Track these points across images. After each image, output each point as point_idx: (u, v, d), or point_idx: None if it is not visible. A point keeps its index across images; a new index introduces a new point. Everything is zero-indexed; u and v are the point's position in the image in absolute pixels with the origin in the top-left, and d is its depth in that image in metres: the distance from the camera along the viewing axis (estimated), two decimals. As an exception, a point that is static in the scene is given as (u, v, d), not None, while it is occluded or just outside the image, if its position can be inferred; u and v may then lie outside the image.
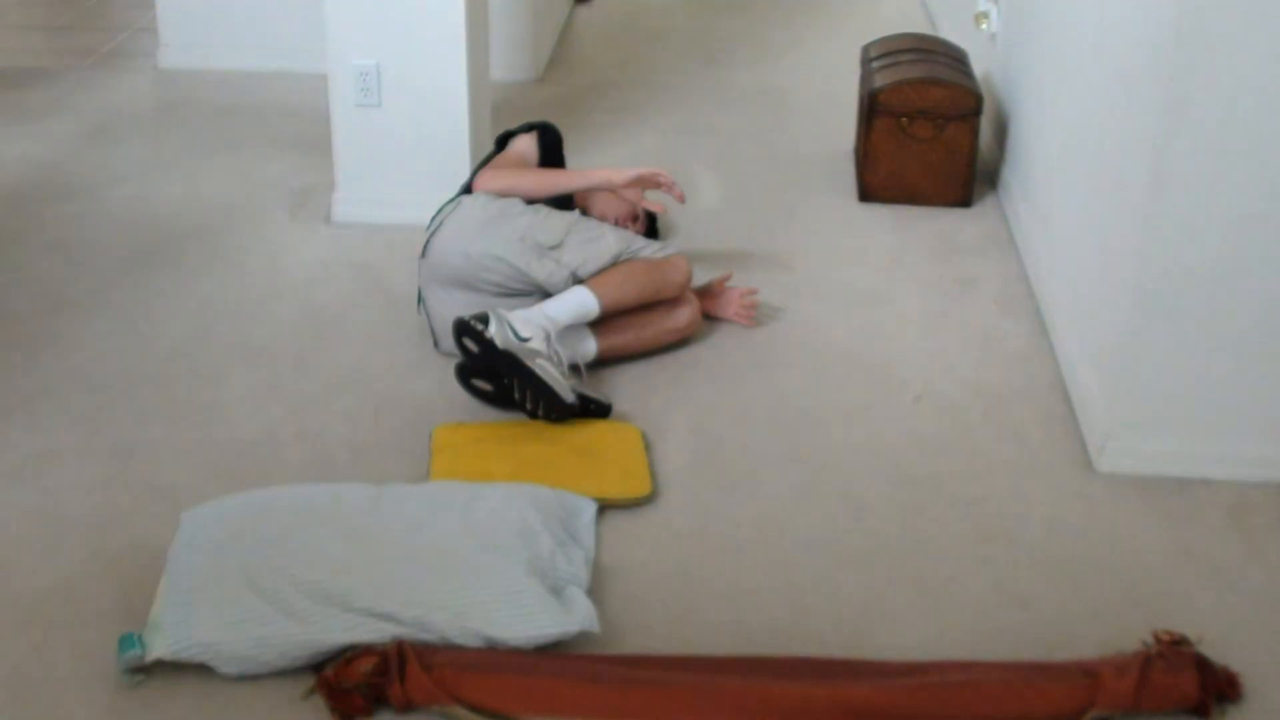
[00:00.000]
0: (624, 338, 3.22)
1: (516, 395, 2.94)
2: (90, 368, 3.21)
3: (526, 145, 3.50)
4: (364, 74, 3.83)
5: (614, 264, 3.17)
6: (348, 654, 2.23)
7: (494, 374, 2.97)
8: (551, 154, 3.55)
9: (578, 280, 3.13)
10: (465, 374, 3.02)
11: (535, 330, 2.94)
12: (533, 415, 2.95)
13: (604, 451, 2.84)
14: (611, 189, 3.42)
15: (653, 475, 2.78)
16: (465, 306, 3.12)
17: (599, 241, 3.19)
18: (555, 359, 2.95)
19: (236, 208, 4.09)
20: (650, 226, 3.77)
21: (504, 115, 4.69)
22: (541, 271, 3.12)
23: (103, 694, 2.23)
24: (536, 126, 3.55)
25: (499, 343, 2.88)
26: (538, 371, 2.89)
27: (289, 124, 4.74)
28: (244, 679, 2.23)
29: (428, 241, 3.24)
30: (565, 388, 2.92)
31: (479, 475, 2.70)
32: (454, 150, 3.90)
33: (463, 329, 2.92)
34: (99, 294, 3.56)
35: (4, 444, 2.92)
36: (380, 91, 3.86)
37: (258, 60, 5.28)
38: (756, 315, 3.45)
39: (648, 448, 2.88)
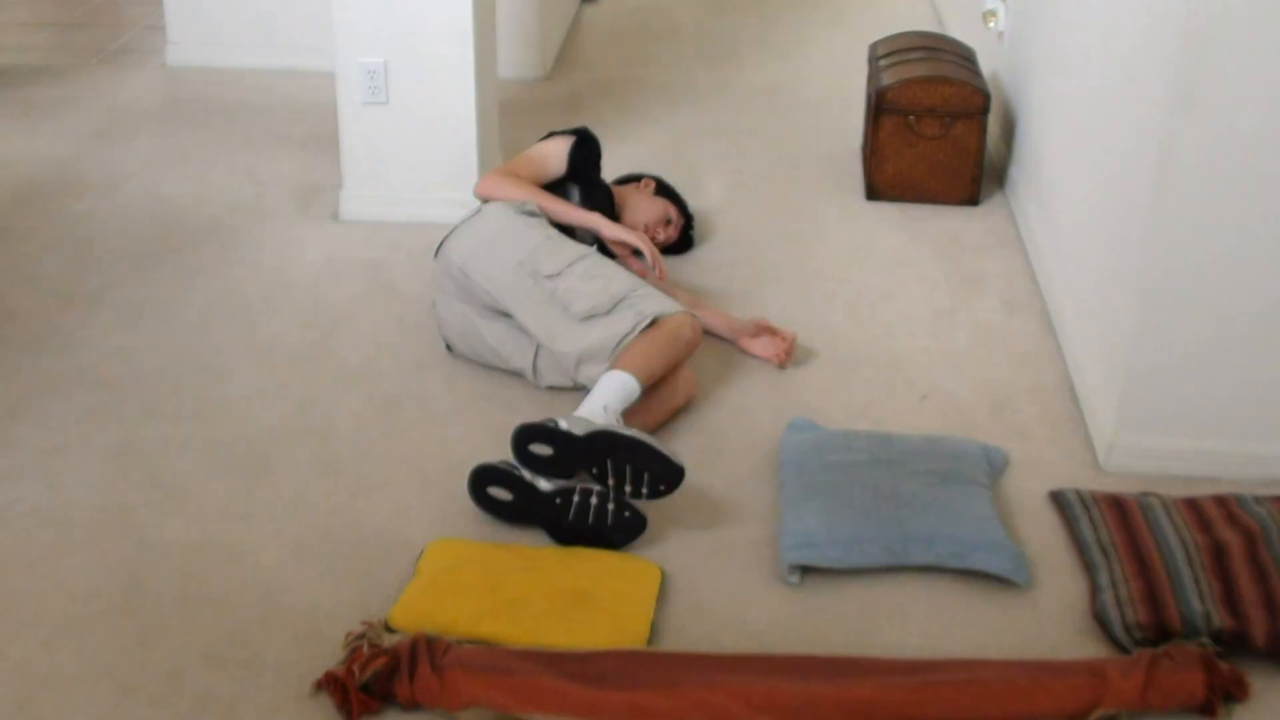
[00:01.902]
0: (637, 423, 2.85)
1: (612, 480, 2.57)
2: (97, 365, 3.21)
3: (555, 149, 3.42)
4: (371, 72, 3.84)
5: (616, 312, 2.91)
6: (358, 652, 2.23)
7: (562, 467, 2.60)
8: (585, 164, 3.47)
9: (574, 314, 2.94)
10: (480, 483, 2.66)
11: (606, 419, 2.70)
12: (634, 495, 2.58)
13: (602, 594, 2.42)
14: (598, 232, 3.28)
15: (654, 627, 2.39)
16: (463, 318, 3.13)
17: (600, 281, 2.98)
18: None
19: (244, 205, 4.09)
20: (684, 235, 3.77)
21: (511, 113, 4.69)
22: (526, 309, 2.98)
23: (108, 692, 2.23)
24: (578, 133, 3.46)
25: (580, 431, 2.58)
26: (642, 439, 2.57)
27: (297, 122, 4.75)
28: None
29: (442, 242, 3.19)
30: (670, 451, 2.59)
31: (440, 619, 2.34)
32: (461, 148, 3.91)
33: (530, 434, 2.60)
34: (106, 291, 3.56)
35: (11, 440, 2.92)
36: (388, 89, 3.86)
37: (266, 58, 5.29)
38: (790, 359, 3.27)
39: (663, 592, 2.48)
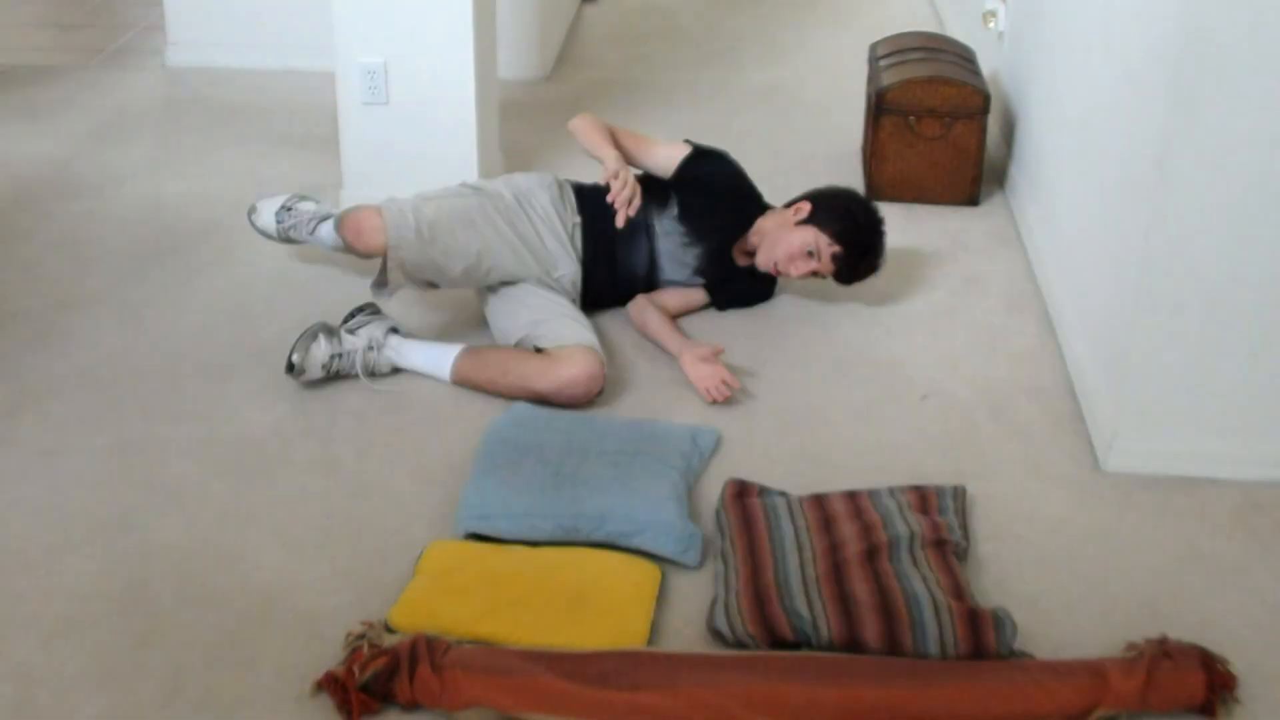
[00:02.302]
0: (482, 376, 3.09)
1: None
2: (97, 365, 3.21)
3: (674, 151, 3.43)
4: (371, 72, 3.84)
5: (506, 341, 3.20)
6: (358, 653, 2.23)
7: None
8: (695, 178, 3.40)
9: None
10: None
11: (364, 336, 3.14)
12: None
13: (601, 598, 2.42)
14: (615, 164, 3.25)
15: (654, 627, 2.40)
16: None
17: (520, 315, 3.19)
18: (353, 359, 3.12)
19: (244, 205, 4.08)
20: (848, 265, 3.36)
21: (511, 113, 4.69)
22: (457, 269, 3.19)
23: (108, 693, 2.23)
24: (708, 151, 3.46)
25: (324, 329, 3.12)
26: (308, 336, 3.08)
27: (296, 122, 4.75)
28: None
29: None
30: (309, 359, 3.06)
31: (440, 619, 2.35)
32: (461, 148, 3.91)
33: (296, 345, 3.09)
34: (106, 291, 3.56)
35: (11, 441, 2.92)
36: (388, 90, 3.86)
37: (265, 58, 5.29)
38: (730, 398, 3.07)
39: (663, 591, 2.49)
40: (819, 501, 2.66)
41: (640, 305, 3.38)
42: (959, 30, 5.36)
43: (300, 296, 3.55)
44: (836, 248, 3.32)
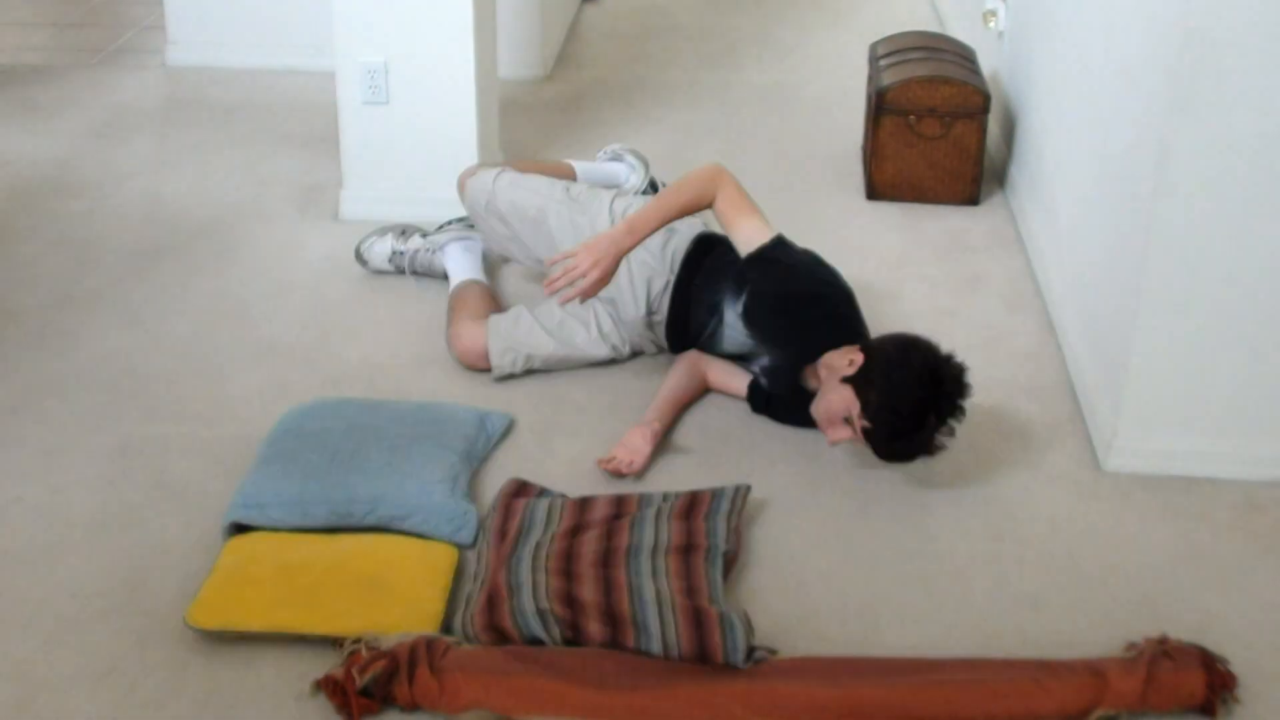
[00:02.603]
0: (452, 305, 3.33)
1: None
2: (97, 364, 3.21)
3: (754, 229, 2.89)
4: (372, 71, 3.83)
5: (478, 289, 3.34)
6: (357, 655, 2.23)
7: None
8: (768, 280, 2.87)
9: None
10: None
11: (432, 240, 3.52)
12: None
13: (396, 581, 2.43)
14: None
15: (448, 607, 2.41)
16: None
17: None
18: (411, 256, 3.54)
19: (244, 205, 4.09)
20: (884, 440, 2.68)
21: (511, 113, 4.69)
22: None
23: (108, 692, 2.23)
24: (797, 259, 2.91)
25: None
26: (381, 231, 3.60)
27: (297, 121, 4.75)
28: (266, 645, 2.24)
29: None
30: (373, 250, 3.57)
31: (237, 612, 2.35)
32: (461, 148, 3.90)
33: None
34: (106, 291, 3.56)
35: (12, 440, 2.92)
36: (388, 89, 3.86)
37: (266, 57, 5.28)
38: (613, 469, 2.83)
39: (459, 575, 2.50)
40: (581, 505, 2.63)
41: (690, 360, 3.11)
42: (959, 30, 5.36)
43: (300, 296, 3.55)
44: (866, 423, 2.66)
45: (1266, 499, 2.78)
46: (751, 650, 2.25)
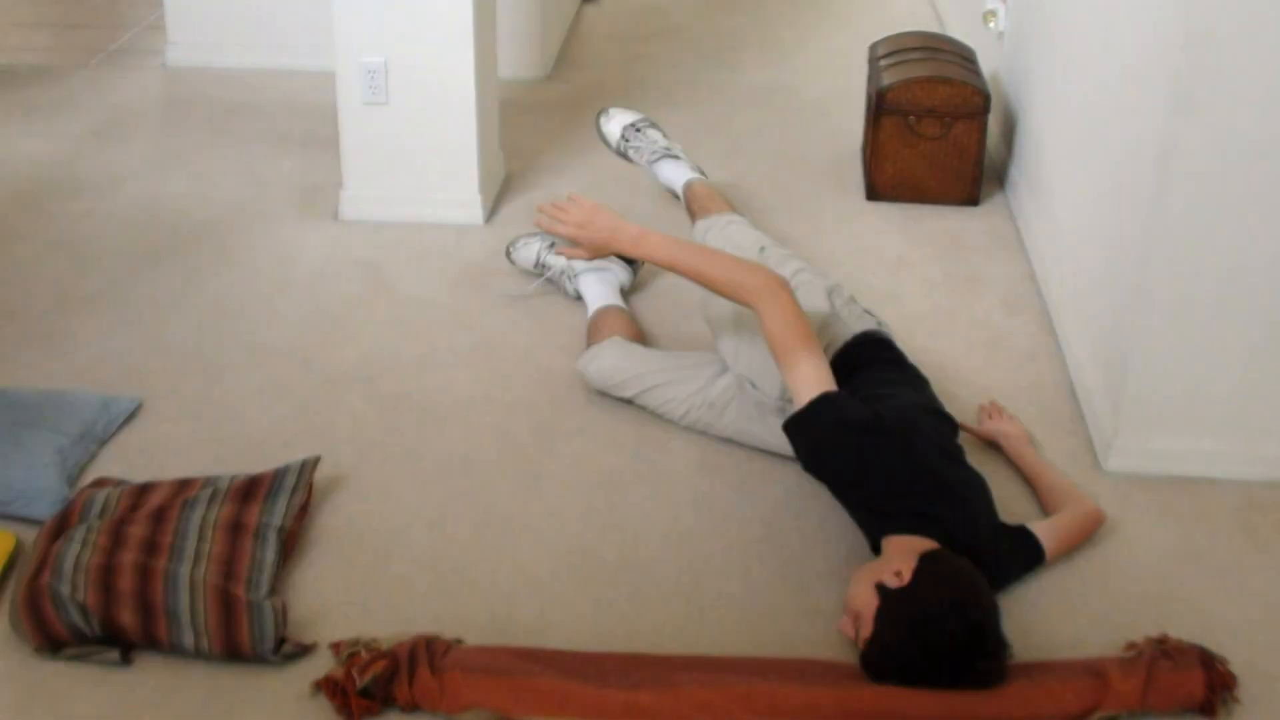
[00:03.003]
0: (590, 329, 3.30)
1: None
2: (97, 365, 3.21)
3: (804, 381, 2.51)
4: (372, 72, 3.84)
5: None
6: (356, 656, 2.23)
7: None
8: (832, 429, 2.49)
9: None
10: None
11: (563, 263, 3.51)
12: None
13: None
14: None
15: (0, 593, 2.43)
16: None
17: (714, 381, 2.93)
18: (550, 270, 3.54)
19: (244, 205, 4.09)
20: (873, 660, 2.23)
21: (511, 113, 4.69)
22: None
23: (108, 691, 2.23)
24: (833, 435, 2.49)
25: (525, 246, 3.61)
26: (538, 237, 3.61)
27: (297, 122, 4.75)
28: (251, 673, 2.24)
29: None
30: (523, 250, 3.61)
31: None
32: (461, 148, 3.91)
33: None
34: (106, 291, 3.56)
35: (11, 441, 2.92)
36: (388, 89, 3.86)
37: (266, 58, 5.29)
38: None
39: (11, 563, 2.49)
40: (140, 490, 2.59)
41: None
42: (959, 30, 5.36)
43: (300, 296, 3.55)
44: (867, 635, 2.24)
45: (1266, 499, 2.78)
46: (281, 642, 2.25)
